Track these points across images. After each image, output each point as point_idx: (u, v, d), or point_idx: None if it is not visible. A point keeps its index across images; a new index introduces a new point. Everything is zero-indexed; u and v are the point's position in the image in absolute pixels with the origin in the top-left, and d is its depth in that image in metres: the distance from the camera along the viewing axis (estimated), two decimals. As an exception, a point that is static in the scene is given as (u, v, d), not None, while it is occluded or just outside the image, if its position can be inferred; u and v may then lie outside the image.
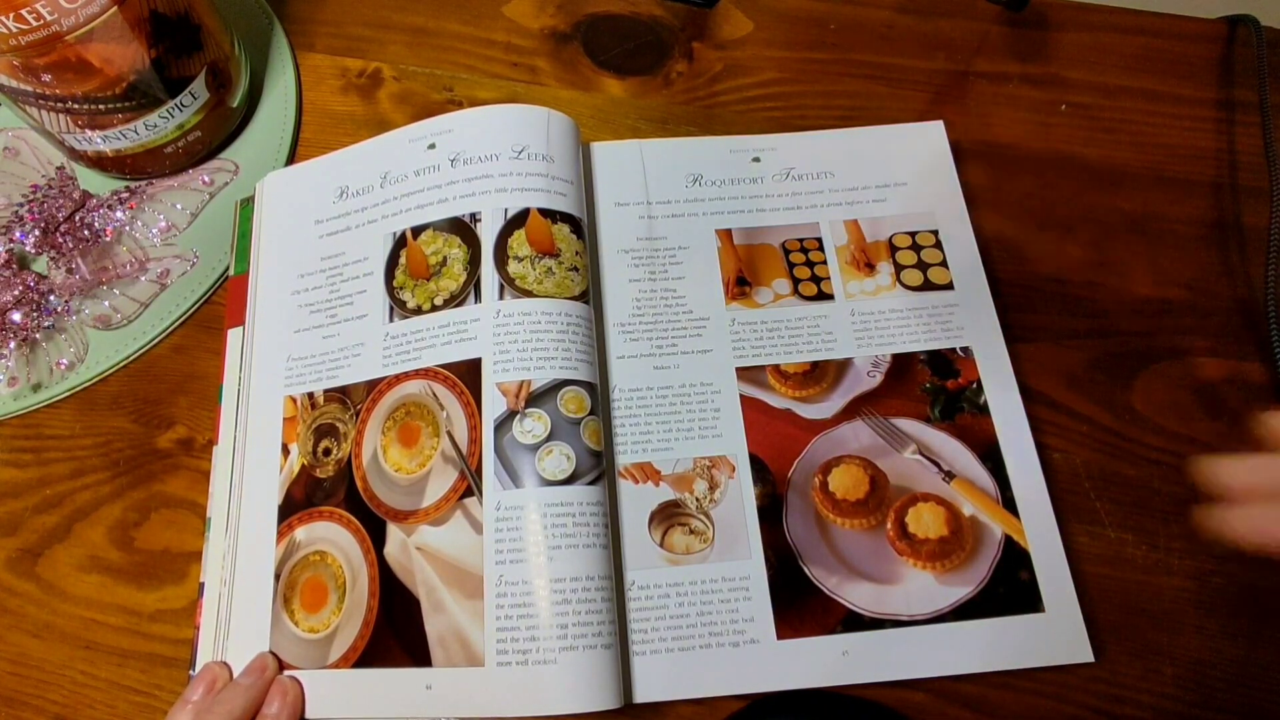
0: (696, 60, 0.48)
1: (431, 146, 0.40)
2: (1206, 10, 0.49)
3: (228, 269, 0.43)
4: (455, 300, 0.37)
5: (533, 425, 0.34)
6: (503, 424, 0.35)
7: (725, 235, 0.42)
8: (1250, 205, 0.44)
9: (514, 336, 0.36)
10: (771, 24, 0.49)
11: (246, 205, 0.43)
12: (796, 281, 0.41)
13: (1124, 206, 0.44)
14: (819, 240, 0.41)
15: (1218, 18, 0.49)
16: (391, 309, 0.38)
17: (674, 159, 0.43)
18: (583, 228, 0.39)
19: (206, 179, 0.45)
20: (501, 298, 0.36)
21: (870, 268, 0.41)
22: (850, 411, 0.38)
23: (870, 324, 0.39)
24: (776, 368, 0.39)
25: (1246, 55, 0.48)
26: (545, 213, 0.38)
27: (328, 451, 0.37)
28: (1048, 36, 0.49)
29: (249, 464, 0.38)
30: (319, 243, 0.41)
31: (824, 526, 0.36)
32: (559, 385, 0.35)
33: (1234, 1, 0.49)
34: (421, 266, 0.38)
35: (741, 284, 0.41)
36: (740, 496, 0.36)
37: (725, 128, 0.46)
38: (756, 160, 0.43)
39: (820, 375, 0.39)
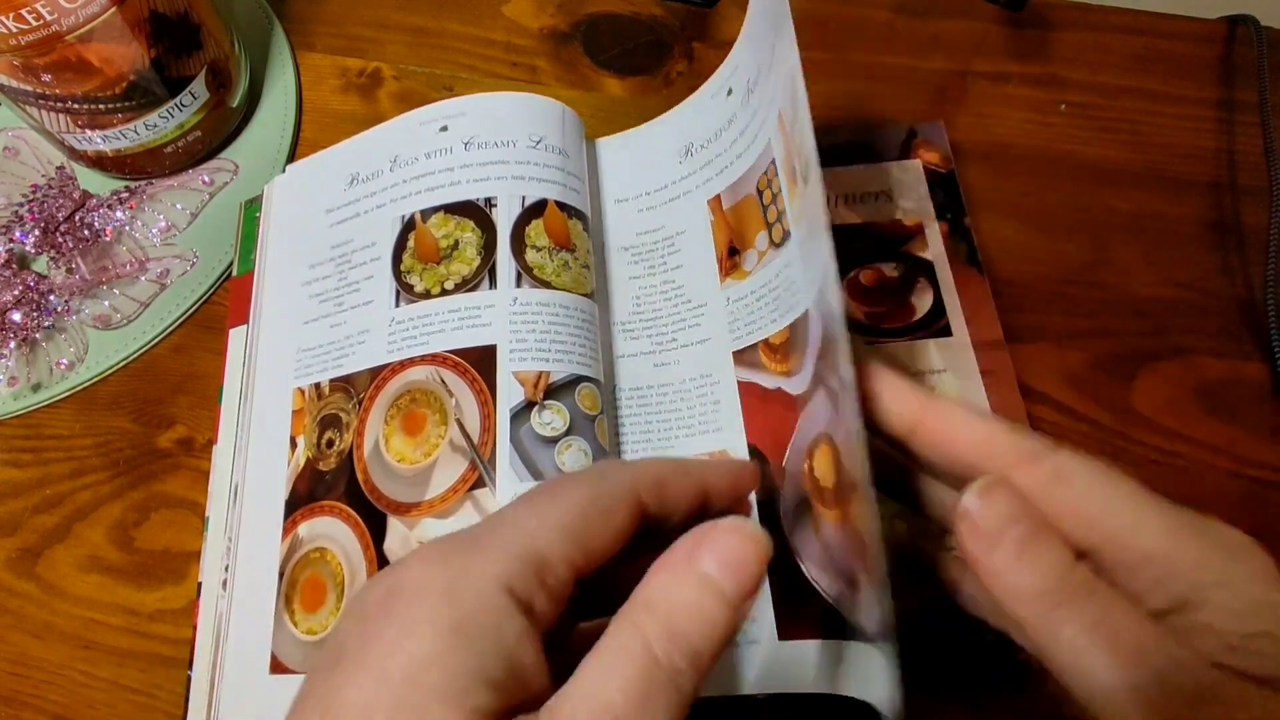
0: (697, 60, 0.48)
1: (444, 129, 0.39)
2: (1206, 10, 0.49)
3: (229, 269, 0.43)
4: (468, 285, 0.36)
5: (552, 418, 0.34)
6: (519, 414, 0.34)
7: (716, 204, 0.39)
8: (1250, 205, 0.44)
9: (532, 326, 0.35)
10: (771, 24, 0.49)
11: (251, 206, 0.43)
12: (770, 228, 0.36)
13: (1123, 206, 0.44)
14: (774, 162, 0.35)
15: (1218, 18, 0.49)
16: (398, 293, 0.37)
17: (667, 133, 0.42)
18: (589, 226, 0.39)
19: (206, 179, 0.45)
20: (519, 285, 0.36)
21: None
22: (818, 377, 0.31)
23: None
24: (766, 342, 0.36)
25: (1246, 55, 0.48)
26: (561, 206, 0.38)
27: (330, 443, 0.36)
28: (1047, 36, 0.49)
29: (255, 460, 0.37)
30: (329, 231, 0.40)
31: (816, 519, 0.35)
32: (575, 381, 0.35)
33: (1234, 1, 0.49)
34: (431, 250, 0.38)
35: (733, 254, 0.39)
36: (740, 495, 0.36)
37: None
38: (729, 93, 0.39)
39: (795, 340, 0.34)
